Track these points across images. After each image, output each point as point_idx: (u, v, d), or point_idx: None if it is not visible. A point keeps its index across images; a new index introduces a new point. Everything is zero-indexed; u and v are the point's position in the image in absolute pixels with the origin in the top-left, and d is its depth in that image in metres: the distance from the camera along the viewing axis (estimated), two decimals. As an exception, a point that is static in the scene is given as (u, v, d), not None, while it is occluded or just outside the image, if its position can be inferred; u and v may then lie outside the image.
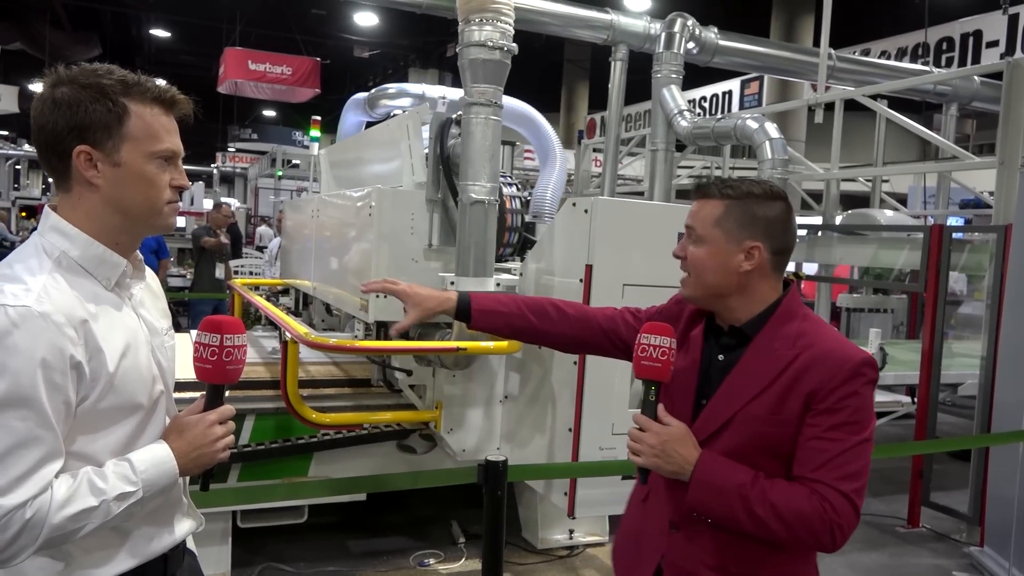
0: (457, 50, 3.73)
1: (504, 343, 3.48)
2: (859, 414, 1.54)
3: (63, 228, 1.41)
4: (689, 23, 6.85)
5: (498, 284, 3.76)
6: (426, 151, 4.07)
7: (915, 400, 5.59)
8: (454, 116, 4.01)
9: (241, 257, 11.14)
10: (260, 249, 10.35)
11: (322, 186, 6.24)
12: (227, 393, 1.55)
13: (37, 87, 1.32)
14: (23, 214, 25.44)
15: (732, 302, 1.67)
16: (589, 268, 3.32)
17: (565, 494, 3.47)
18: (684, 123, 6.38)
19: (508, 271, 4.04)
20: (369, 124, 6.12)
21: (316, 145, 7.41)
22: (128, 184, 1.41)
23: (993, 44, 10.79)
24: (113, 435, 1.41)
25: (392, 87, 6.01)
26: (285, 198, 16.06)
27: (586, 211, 3.35)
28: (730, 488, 1.54)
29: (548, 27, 7.81)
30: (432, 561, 4.21)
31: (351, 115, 6.35)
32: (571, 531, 4.44)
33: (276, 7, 16.90)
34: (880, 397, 4.41)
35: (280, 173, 16.30)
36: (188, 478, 1.61)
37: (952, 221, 9.32)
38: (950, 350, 5.79)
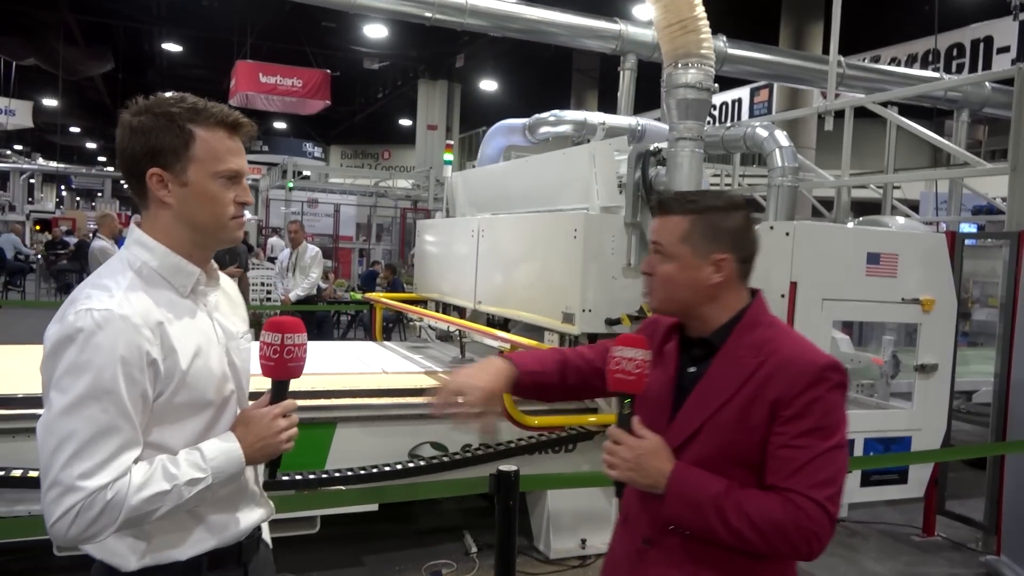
0: (664, 90, 4.17)
1: None
2: (826, 419, 1.53)
3: (144, 241, 1.57)
4: (698, 32, 6.84)
5: None
6: (619, 179, 4.49)
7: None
8: (651, 147, 4.44)
9: (249, 269, 11.19)
10: (271, 260, 10.40)
11: (455, 208, 6.59)
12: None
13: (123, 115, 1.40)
14: (37, 227, 25.69)
15: (702, 312, 1.68)
16: (794, 285, 3.73)
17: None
18: (694, 132, 6.35)
19: None
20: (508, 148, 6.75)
21: (449, 168, 7.73)
22: (195, 202, 1.55)
23: (1004, 50, 10.77)
24: (187, 428, 1.53)
25: (551, 115, 6.34)
26: (296, 209, 16.14)
27: (787, 234, 3.78)
28: (704, 499, 1.53)
29: (557, 37, 7.84)
30: (445, 571, 4.21)
31: (499, 139, 6.73)
32: (583, 540, 4.43)
33: (286, 20, 17.01)
34: (894, 404, 4.41)
35: (291, 184, 16.36)
36: (262, 467, 1.71)
37: (965, 228, 9.27)
38: (964, 357, 5.74)
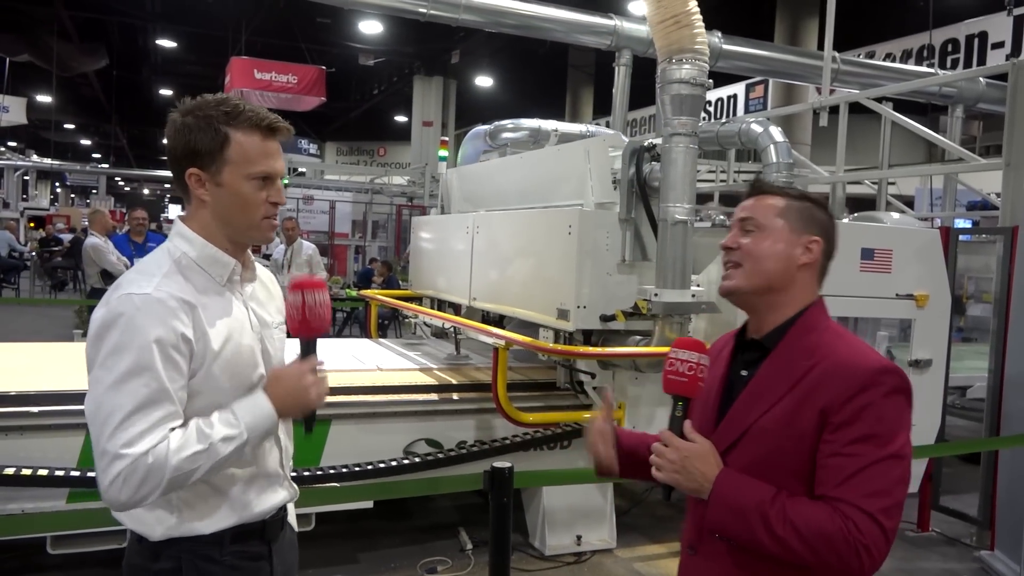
0: (658, 86, 4.12)
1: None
2: (880, 426, 1.45)
3: (185, 233, 1.67)
4: (693, 28, 6.85)
5: (694, 295, 4.10)
6: (614, 175, 4.50)
7: (924, 403, 5.57)
8: (645, 144, 4.42)
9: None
10: (266, 257, 10.39)
11: (449, 205, 6.70)
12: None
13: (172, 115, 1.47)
14: (31, 224, 25.59)
15: (775, 299, 1.63)
16: None
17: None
18: (689, 128, 6.37)
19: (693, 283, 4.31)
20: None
21: (443, 164, 7.80)
22: (229, 202, 1.64)
23: (999, 45, 10.78)
24: (216, 408, 1.59)
25: (509, 122, 6.96)
26: (291, 206, 16.10)
27: None
28: (749, 506, 1.47)
29: (552, 33, 7.83)
30: (440, 568, 4.21)
31: (474, 144, 7.16)
32: (578, 537, 4.44)
33: (281, 16, 16.96)
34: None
35: (286, 181, 16.33)
36: (287, 452, 1.81)
37: (959, 223, 9.29)
38: (958, 353, 5.76)
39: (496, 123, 7.03)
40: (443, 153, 9.11)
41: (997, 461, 4.72)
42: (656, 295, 4.04)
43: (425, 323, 6.18)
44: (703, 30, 4.07)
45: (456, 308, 5.84)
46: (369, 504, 4.10)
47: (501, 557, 2.75)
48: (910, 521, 5.23)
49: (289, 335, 1.80)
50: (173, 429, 1.52)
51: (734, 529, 1.51)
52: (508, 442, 4.19)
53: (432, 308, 6.14)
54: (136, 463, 1.46)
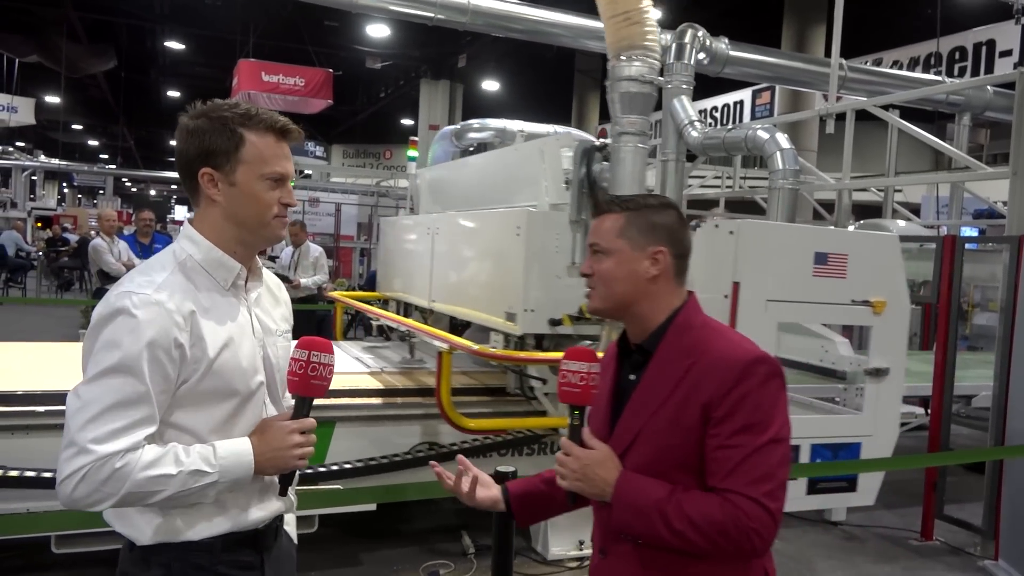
0: (607, 84, 3.99)
1: None
2: (757, 415, 1.52)
3: (192, 236, 1.67)
4: (700, 34, 6.85)
5: None
6: (566, 176, 4.37)
7: (928, 412, 5.55)
8: (597, 143, 4.32)
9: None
10: (272, 259, 10.41)
11: (418, 205, 6.68)
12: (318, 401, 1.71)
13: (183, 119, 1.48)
14: (39, 224, 25.70)
15: (640, 310, 1.69)
16: (736, 285, 3.60)
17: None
18: (695, 134, 6.36)
19: None
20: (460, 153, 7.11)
21: (413, 165, 7.75)
22: (242, 201, 1.65)
23: (1006, 53, 10.77)
24: (212, 414, 1.61)
25: (476, 122, 6.96)
26: (297, 208, 16.12)
27: (731, 232, 3.65)
28: (648, 505, 1.55)
29: (559, 39, 7.84)
30: (442, 572, 4.21)
31: (443, 145, 7.14)
32: (580, 542, 4.43)
33: (289, 19, 17.01)
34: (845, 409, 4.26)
35: (293, 183, 16.38)
36: None
37: (966, 231, 9.27)
38: (963, 361, 5.74)
39: (463, 123, 7.04)
40: (412, 153, 9.06)
41: (1002, 470, 4.71)
42: None
43: (388, 326, 6.13)
44: (655, 27, 3.94)
45: (425, 312, 5.73)
46: (372, 507, 4.10)
47: (504, 561, 2.75)
48: (913, 530, 5.22)
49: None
50: (149, 437, 1.50)
51: (638, 528, 1.58)
52: (456, 448, 4.11)
53: (398, 310, 6.06)
54: (103, 463, 1.44)
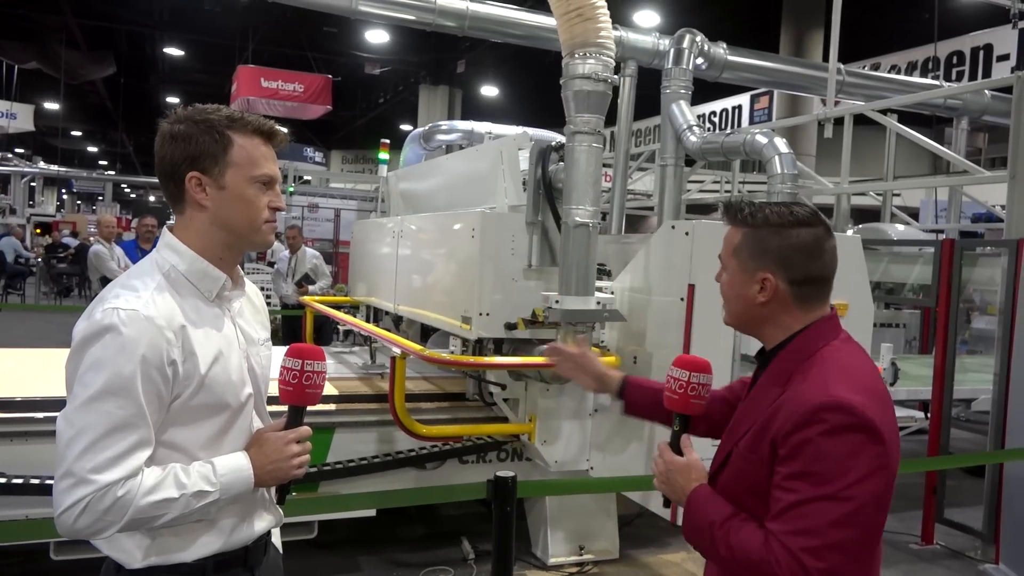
0: (561, 82, 3.90)
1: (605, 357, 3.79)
2: (817, 464, 1.41)
3: (175, 245, 1.62)
4: (698, 39, 6.87)
5: (599, 302, 3.82)
6: (524, 176, 4.30)
7: (928, 415, 5.55)
8: (554, 144, 4.23)
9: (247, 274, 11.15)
10: (270, 264, 10.37)
11: (390, 207, 6.67)
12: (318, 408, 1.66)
13: (162, 124, 1.42)
14: (38, 231, 25.69)
15: (759, 331, 1.65)
16: (692, 288, 3.58)
17: (667, 506, 3.48)
18: (693, 138, 6.38)
19: (600, 289, 4.03)
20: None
21: (384, 168, 7.71)
22: (231, 204, 1.60)
23: (1004, 58, 10.79)
24: (203, 429, 1.57)
25: (444, 124, 6.97)
26: (296, 213, 16.13)
27: (687, 233, 3.63)
28: (704, 524, 1.56)
29: (557, 44, 7.84)
30: (442, 577, 4.20)
31: (413, 147, 7.16)
32: (581, 548, 4.43)
33: (288, 25, 17.03)
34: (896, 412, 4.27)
35: (292, 189, 16.34)
36: None
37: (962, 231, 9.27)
38: (963, 365, 5.74)
39: (431, 124, 7.06)
40: (383, 156, 9.05)
41: (1002, 474, 4.71)
42: (558, 302, 3.77)
43: (353, 331, 6.09)
44: (608, 24, 3.84)
45: (398, 317, 5.60)
46: (372, 512, 4.09)
47: (504, 566, 2.74)
48: (914, 534, 5.21)
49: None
50: (148, 461, 1.46)
51: (696, 541, 1.61)
52: (414, 454, 4.09)
53: (367, 315, 5.98)
54: (104, 493, 1.40)
